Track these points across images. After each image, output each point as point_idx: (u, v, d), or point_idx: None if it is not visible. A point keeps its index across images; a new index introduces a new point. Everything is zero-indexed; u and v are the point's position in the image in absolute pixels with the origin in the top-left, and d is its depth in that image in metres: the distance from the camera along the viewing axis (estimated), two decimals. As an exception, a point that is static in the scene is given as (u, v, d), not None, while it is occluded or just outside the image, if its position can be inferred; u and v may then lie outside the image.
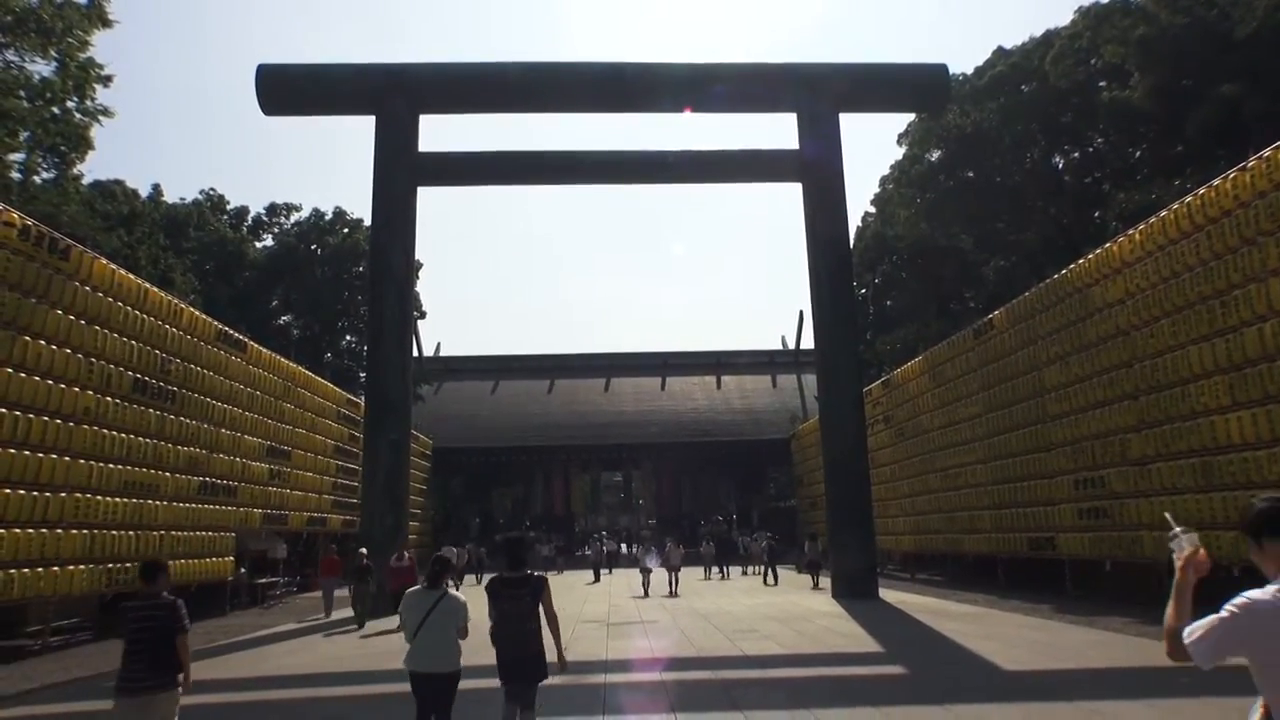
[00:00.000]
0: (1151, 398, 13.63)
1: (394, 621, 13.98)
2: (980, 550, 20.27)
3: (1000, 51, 32.02)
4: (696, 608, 16.92)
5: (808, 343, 38.43)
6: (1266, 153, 11.44)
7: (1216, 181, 12.43)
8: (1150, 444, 13.70)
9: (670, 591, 20.34)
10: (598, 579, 26.89)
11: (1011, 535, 18.33)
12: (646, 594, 20.25)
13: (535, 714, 5.40)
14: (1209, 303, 12.30)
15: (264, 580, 21.64)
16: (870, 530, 19.07)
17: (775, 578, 24.19)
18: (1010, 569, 19.46)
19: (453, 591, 5.39)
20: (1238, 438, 11.77)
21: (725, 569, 28.68)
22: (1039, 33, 31.26)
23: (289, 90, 19.70)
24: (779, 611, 15.61)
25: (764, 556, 25.76)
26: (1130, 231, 14.53)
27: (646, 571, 21.82)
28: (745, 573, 29.38)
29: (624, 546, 43.01)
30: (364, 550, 15.92)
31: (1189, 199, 13.00)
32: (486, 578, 20.79)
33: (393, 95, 19.45)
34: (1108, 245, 15.22)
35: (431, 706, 5.21)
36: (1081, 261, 15.95)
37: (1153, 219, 13.88)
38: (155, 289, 16.07)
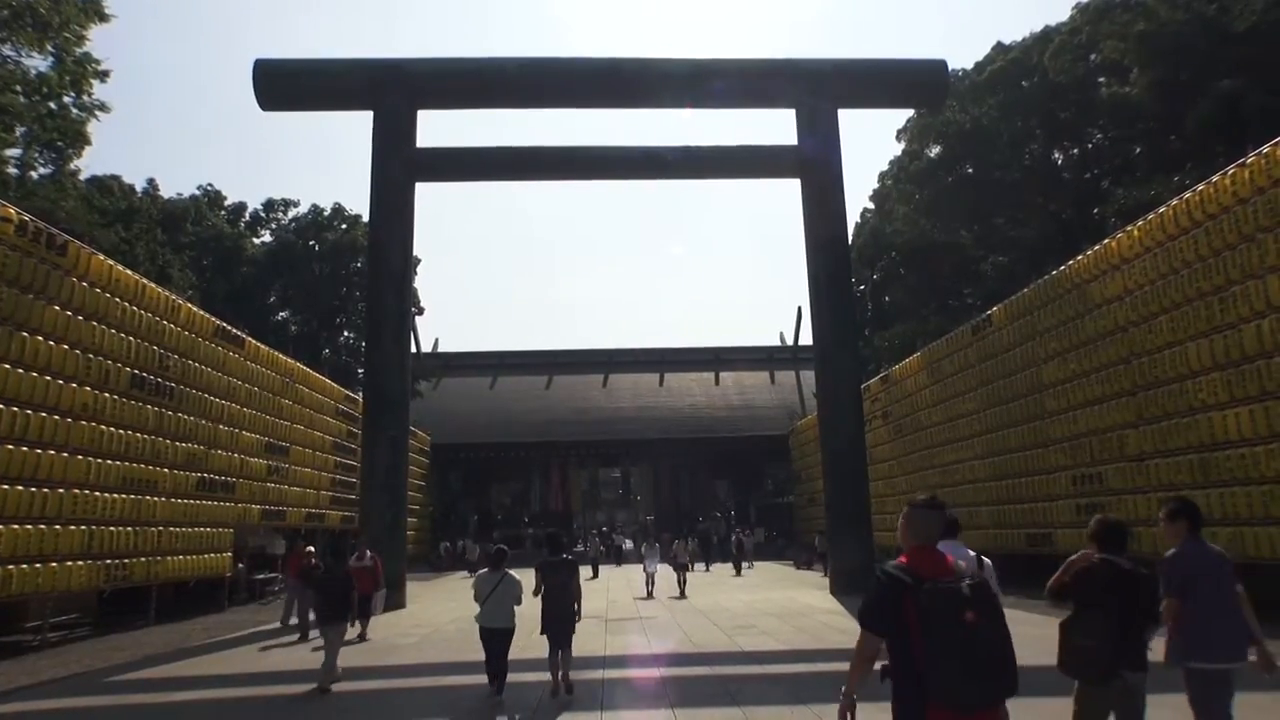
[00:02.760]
0: (1149, 394, 13.63)
1: (355, 631, 13.54)
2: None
3: (999, 47, 32.01)
4: (694, 604, 16.92)
5: (806, 339, 38.41)
6: (1265, 149, 11.41)
7: (1215, 178, 12.41)
8: (1148, 440, 13.71)
9: (680, 593, 19.33)
10: (596, 575, 26.88)
11: (1009, 531, 18.35)
12: (650, 595, 19.21)
13: (572, 653, 7.77)
14: (1207, 299, 12.29)
15: (262, 576, 21.65)
16: (868, 526, 19.07)
17: (739, 570, 27.40)
18: (1008, 565, 19.44)
19: (511, 573, 7.70)
20: (1235, 434, 11.77)
21: (708, 564, 31.10)
22: (1038, 28, 31.25)
23: (286, 85, 19.64)
24: (777, 608, 15.63)
25: (733, 550, 28.50)
26: (1129, 227, 14.52)
27: (650, 572, 20.35)
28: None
29: (628, 542, 42.83)
30: (311, 549, 14.74)
31: (1188, 195, 12.98)
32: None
33: (390, 90, 19.39)
34: (1106, 241, 15.20)
35: (494, 651, 7.59)
36: (1080, 258, 15.93)
37: (1151, 215, 13.87)
38: (153, 285, 16.03)
